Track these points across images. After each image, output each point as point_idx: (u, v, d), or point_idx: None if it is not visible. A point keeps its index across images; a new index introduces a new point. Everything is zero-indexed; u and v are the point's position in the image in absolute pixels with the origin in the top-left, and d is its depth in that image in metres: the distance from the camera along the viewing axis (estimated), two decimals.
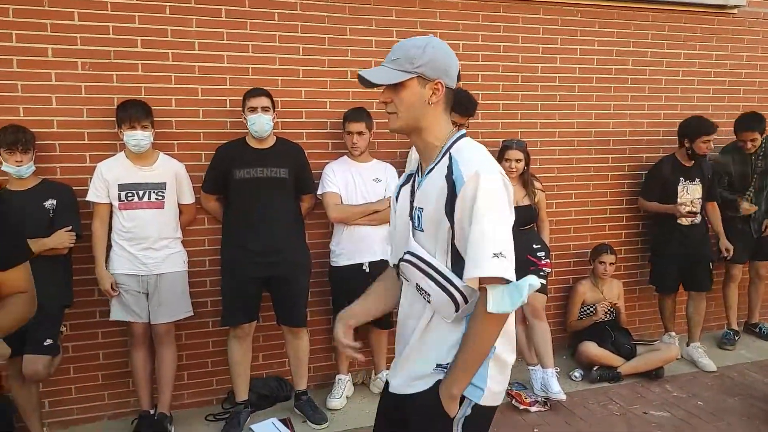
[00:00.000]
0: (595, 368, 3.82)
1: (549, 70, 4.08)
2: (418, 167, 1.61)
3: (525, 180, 3.71)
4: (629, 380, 3.80)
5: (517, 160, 3.60)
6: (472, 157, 1.45)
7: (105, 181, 3.00)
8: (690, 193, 4.07)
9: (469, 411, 1.48)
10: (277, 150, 3.23)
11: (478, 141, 3.71)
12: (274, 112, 3.18)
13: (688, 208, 3.98)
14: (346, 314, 1.75)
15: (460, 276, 1.44)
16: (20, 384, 2.87)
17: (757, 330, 4.58)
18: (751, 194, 4.32)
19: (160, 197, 3.07)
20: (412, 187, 1.59)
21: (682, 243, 4.06)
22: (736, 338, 4.43)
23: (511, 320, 1.54)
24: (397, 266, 1.60)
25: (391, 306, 1.78)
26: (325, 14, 3.51)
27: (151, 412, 3.20)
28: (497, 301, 1.37)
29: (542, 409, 3.42)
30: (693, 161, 4.05)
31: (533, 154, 3.93)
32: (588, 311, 4.09)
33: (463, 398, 1.47)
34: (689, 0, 4.24)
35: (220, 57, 3.34)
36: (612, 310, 4.04)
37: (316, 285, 3.59)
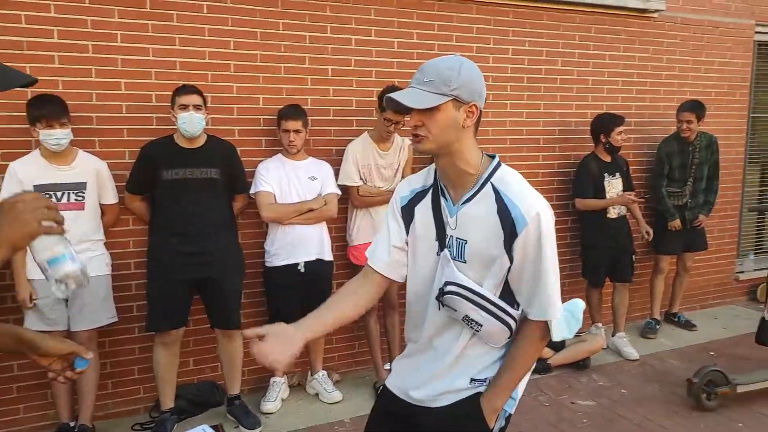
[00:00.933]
0: None
1: (482, 69, 4.06)
2: (439, 189, 1.53)
3: None
4: (558, 371, 3.94)
5: None
6: (523, 190, 1.45)
7: (19, 182, 2.79)
8: (614, 187, 4.26)
9: (503, 422, 1.55)
10: (207, 149, 3.11)
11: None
12: (205, 109, 3.07)
13: (632, 195, 4.20)
14: (304, 326, 1.55)
15: (510, 305, 1.49)
16: None
17: (676, 319, 4.86)
18: (690, 185, 4.57)
19: (80, 198, 2.90)
20: (437, 209, 1.53)
21: (611, 236, 4.25)
22: (658, 327, 4.69)
23: None
24: (440, 299, 1.52)
25: (354, 318, 1.68)
26: (257, 8, 3.41)
27: (72, 424, 3.03)
28: (561, 330, 1.48)
29: None
30: (611, 156, 4.24)
31: None
32: None
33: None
34: (613, 3, 4.41)
35: (145, 50, 3.19)
36: None
37: (250, 286, 3.51)
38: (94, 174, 2.96)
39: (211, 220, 3.08)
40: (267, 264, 3.39)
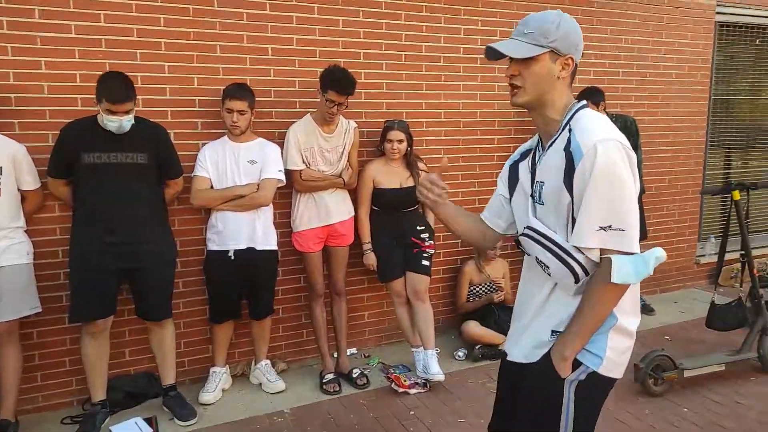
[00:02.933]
0: (477, 347, 3.87)
1: (433, 50, 4.03)
2: (538, 142, 1.62)
3: (409, 161, 3.66)
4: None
5: (399, 141, 3.54)
6: (589, 126, 1.45)
7: None
8: None
9: (583, 377, 1.50)
10: (134, 132, 2.93)
11: (361, 121, 3.65)
12: (135, 103, 2.89)
13: None
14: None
15: (576, 248, 1.48)
16: None
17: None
18: None
19: None
20: (533, 162, 1.61)
21: None
22: None
23: (636, 292, 1.57)
24: (517, 240, 1.63)
25: (467, 234, 1.85)
26: None
27: None
28: (621, 271, 1.40)
29: (422, 391, 3.41)
30: None
31: (419, 135, 3.89)
32: (474, 291, 4.13)
33: (579, 363, 1.50)
34: None
35: (67, 27, 3.02)
36: (496, 289, 4.11)
37: (191, 273, 3.40)
38: (9, 158, 2.80)
39: (138, 207, 2.94)
40: (206, 248, 3.29)
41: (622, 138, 1.45)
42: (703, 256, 5.49)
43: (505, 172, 1.76)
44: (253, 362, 3.58)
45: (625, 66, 4.78)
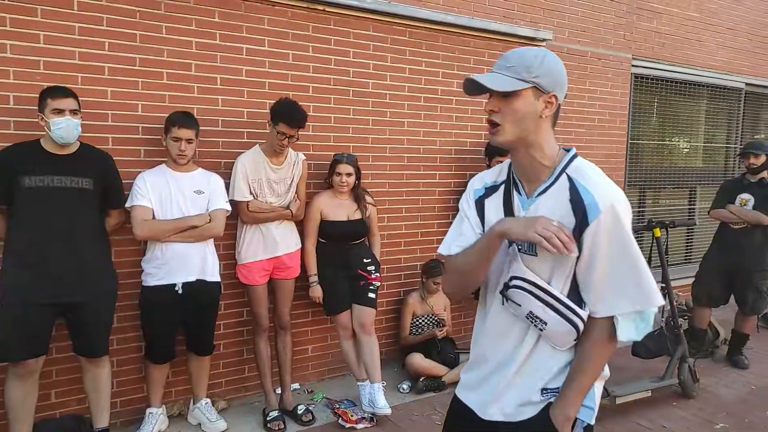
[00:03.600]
0: (421, 379, 3.91)
1: (380, 87, 4.14)
2: (514, 184, 1.52)
3: (356, 194, 3.70)
4: (453, 388, 3.92)
5: (348, 174, 3.58)
6: (600, 182, 1.41)
7: None
8: None
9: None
10: (80, 157, 2.82)
11: (309, 153, 3.66)
12: (80, 115, 2.78)
13: None
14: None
15: (578, 304, 1.43)
16: None
17: None
18: None
19: None
20: (508, 204, 1.51)
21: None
22: None
23: None
24: (503, 293, 1.51)
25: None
26: (136, 8, 3.18)
27: None
28: (629, 330, 1.41)
29: (368, 426, 3.39)
30: None
31: (365, 169, 3.95)
32: (417, 323, 4.19)
33: (575, 419, 1.46)
34: (505, 30, 4.58)
35: (2, 46, 2.86)
36: (439, 322, 4.19)
37: (125, 308, 3.22)
38: None
39: (80, 235, 2.78)
40: (143, 283, 3.12)
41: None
42: None
43: (472, 205, 1.60)
44: (191, 401, 3.42)
45: None
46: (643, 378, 3.95)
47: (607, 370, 1.54)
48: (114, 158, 3.07)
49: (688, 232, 6.53)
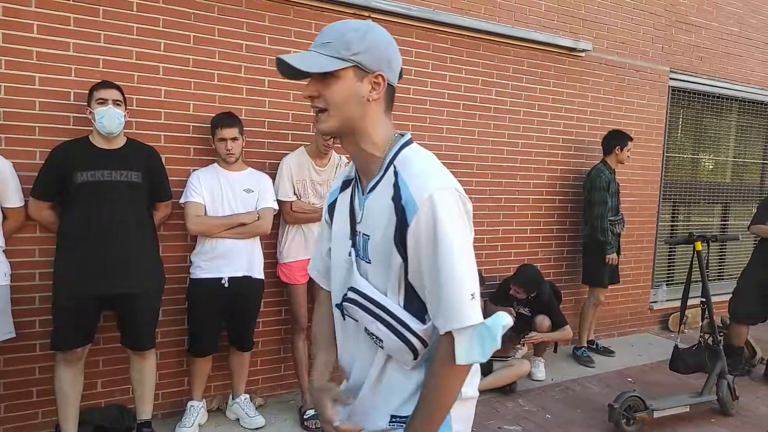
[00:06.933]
0: None
1: (420, 93, 4.18)
2: (356, 178, 1.32)
3: None
4: (485, 395, 3.93)
5: None
6: (421, 170, 1.18)
7: None
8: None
9: None
10: (127, 151, 2.90)
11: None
12: (126, 109, 2.88)
13: None
14: (323, 386, 1.37)
15: (417, 317, 1.21)
16: None
17: (594, 346, 5.00)
18: (622, 214, 4.83)
19: None
20: (351, 202, 1.31)
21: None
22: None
23: None
24: (340, 304, 1.32)
25: None
26: (192, 11, 3.27)
27: None
28: (467, 350, 1.13)
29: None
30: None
31: None
32: None
33: None
34: (545, 40, 4.60)
35: (65, 44, 2.97)
36: None
37: (169, 302, 3.28)
38: None
39: (129, 227, 2.85)
40: (191, 276, 3.20)
41: (458, 185, 1.20)
42: (656, 302, 5.79)
43: (326, 213, 1.42)
44: (230, 396, 3.46)
45: (591, 121, 5.10)
46: (681, 393, 3.90)
47: (473, 389, 1.31)
48: (165, 155, 3.16)
49: (721, 248, 6.43)
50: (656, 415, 3.50)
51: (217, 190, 3.15)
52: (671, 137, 5.88)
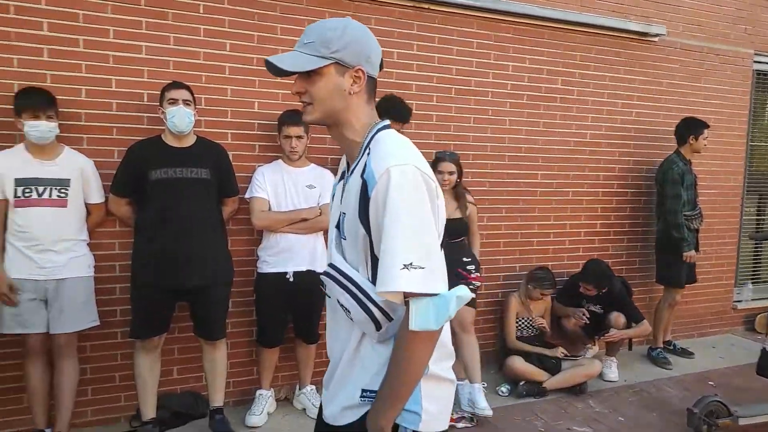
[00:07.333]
0: (521, 383, 3.81)
1: (482, 84, 4.11)
2: (347, 165, 1.42)
3: (457, 192, 3.68)
4: (554, 395, 3.81)
5: (450, 173, 3.57)
6: (386, 150, 1.26)
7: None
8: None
9: None
10: (197, 149, 3.03)
11: None
12: (195, 108, 2.99)
13: None
14: None
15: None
16: None
17: (671, 347, 4.73)
18: (699, 208, 4.54)
19: (62, 195, 2.79)
20: (343, 189, 1.40)
21: None
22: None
23: (447, 332, 1.38)
24: (320, 278, 1.41)
25: None
26: (255, 11, 3.36)
27: (47, 431, 2.88)
28: (421, 316, 1.20)
29: (468, 425, 3.35)
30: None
31: (466, 167, 3.92)
32: (521, 324, 4.09)
33: (396, 427, 1.28)
34: (615, 25, 4.40)
35: (138, 47, 3.12)
36: (537, 327, 4.08)
37: (238, 294, 3.39)
38: (78, 171, 2.86)
39: (200, 221, 2.96)
40: (258, 270, 3.29)
41: (423, 164, 1.26)
42: (740, 301, 5.41)
43: (331, 201, 1.52)
44: (297, 387, 3.53)
45: (666, 109, 4.83)
46: None
47: (446, 371, 1.35)
48: (232, 152, 3.26)
49: None
50: (741, 422, 3.26)
51: (280, 186, 3.22)
52: (756, 125, 5.47)
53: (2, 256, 2.73)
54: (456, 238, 3.68)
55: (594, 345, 4.34)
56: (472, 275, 3.65)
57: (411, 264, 1.18)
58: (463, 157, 3.92)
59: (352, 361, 1.35)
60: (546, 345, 4.07)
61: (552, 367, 3.90)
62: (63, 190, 2.79)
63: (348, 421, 1.34)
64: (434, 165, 3.63)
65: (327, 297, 1.42)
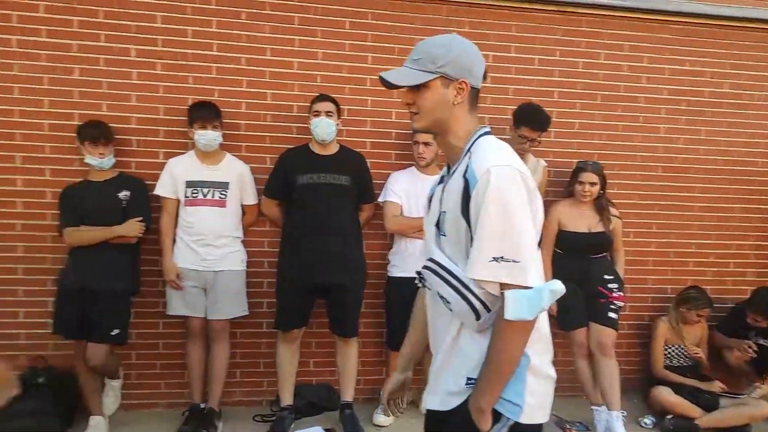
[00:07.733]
0: (669, 417, 3.46)
1: (633, 90, 3.83)
2: (447, 169, 1.54)
3: (600, 205, 3.47)
4: None
5: (592, 183, 3.39)
6: (486, 153, 1.38)
7: (173, 177, 3.12)
8: None
9: (505, 430, 1.38)
10: (339, 157, 3.23)
11: (549, 160, 3.58)
12: (339, 118, 3.20)
13: None
14: (395, 377, 1.79)
15: None
16: (84, 366, 2.99)
17: None
18: None
19: (223, 196, 3.15)
20: (442, 190, 1.53)
21: None
22: None
23: (546, 328, 1.46)
24: (419, 273, 1.52)
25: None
26: (396, 24, 3.51)
27: (202, 405, 3.23)
28: (515, 307, 1.30)
29: None
30: None
31: (611, 179, 3.68)
32: (666, 353, 3.72)
33: (500, 415, 1.37)
34: None
35: (290, 63, 3.42)
36: (691, 357, 3.68)
37: (370, 296, 3.52)
38: (237, 175, 3.20)
39: (340, 225, 3.15)
40: (388, 274, 3.40)
41: (521, 166, 1.36)
42: None
43: (427, 203, 1.63)
44: (424, 391, 3.56)
45: None
46: None
47: (547, 366, 1.42)
48: (370, 160, 3.42)
49: None
50: None
51: (412, 192, 3.31)
52: None
53: (172, 248, 3.15)
54: (598, 254, 3.47)
55: (763, 384, 3.79)
56: (614, 294, 3.41)
57: (502, 257, 1.30)
58: (608, 167, 3.70)
59: (451, 350, 1.45)
60: (701, 378, 3.66)
61: (707, 403, 3.48)
62: (223, 192, 3.15)
63: (454, 405, 1.43)
64: (575, 175, 3.47)
65: (428, 290, 1.52)
